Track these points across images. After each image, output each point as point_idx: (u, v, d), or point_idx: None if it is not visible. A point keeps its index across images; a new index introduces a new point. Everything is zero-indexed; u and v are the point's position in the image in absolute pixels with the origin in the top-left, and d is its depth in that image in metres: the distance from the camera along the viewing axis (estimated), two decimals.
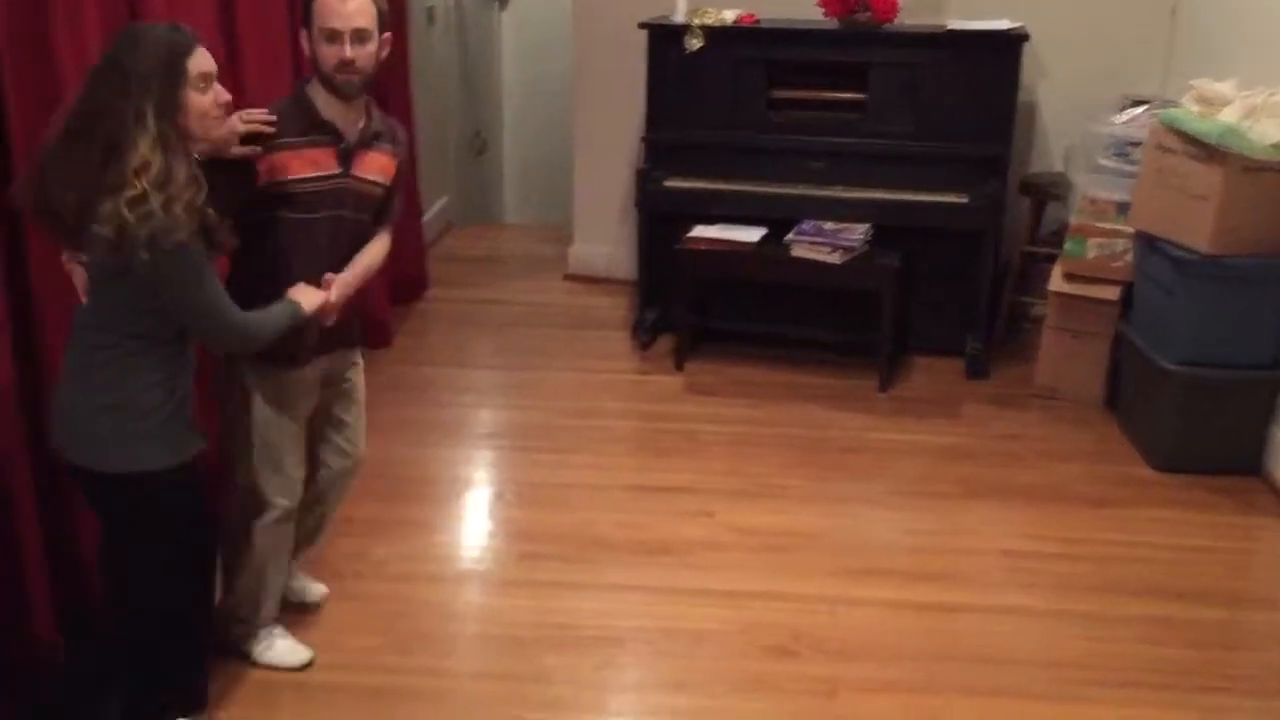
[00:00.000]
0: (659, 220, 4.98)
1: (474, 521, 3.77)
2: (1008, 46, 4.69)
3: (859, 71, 4.83)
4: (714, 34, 4.86)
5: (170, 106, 2.15)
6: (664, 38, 4.93)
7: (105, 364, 2.27)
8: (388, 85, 5.06)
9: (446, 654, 3.05)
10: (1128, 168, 4.37)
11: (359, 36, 2.54)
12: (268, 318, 2.48)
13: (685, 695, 2.90)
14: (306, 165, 2.61)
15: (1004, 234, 4.94)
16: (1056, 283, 4.58)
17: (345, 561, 3.40)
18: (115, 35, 2.21)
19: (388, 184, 2.78)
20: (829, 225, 4.68)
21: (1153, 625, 3.19)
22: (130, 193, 2.09)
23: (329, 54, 2.55)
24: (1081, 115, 4.79)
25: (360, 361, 3.00)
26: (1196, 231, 3.86)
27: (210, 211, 2.21)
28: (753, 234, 4.73)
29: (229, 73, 3.48)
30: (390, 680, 2.92)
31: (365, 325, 4.82)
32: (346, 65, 2.55)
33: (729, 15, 4.96)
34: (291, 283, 2.60)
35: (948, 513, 3.77)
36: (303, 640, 2.99)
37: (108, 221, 2.10)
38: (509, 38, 7.65)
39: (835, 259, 4.55)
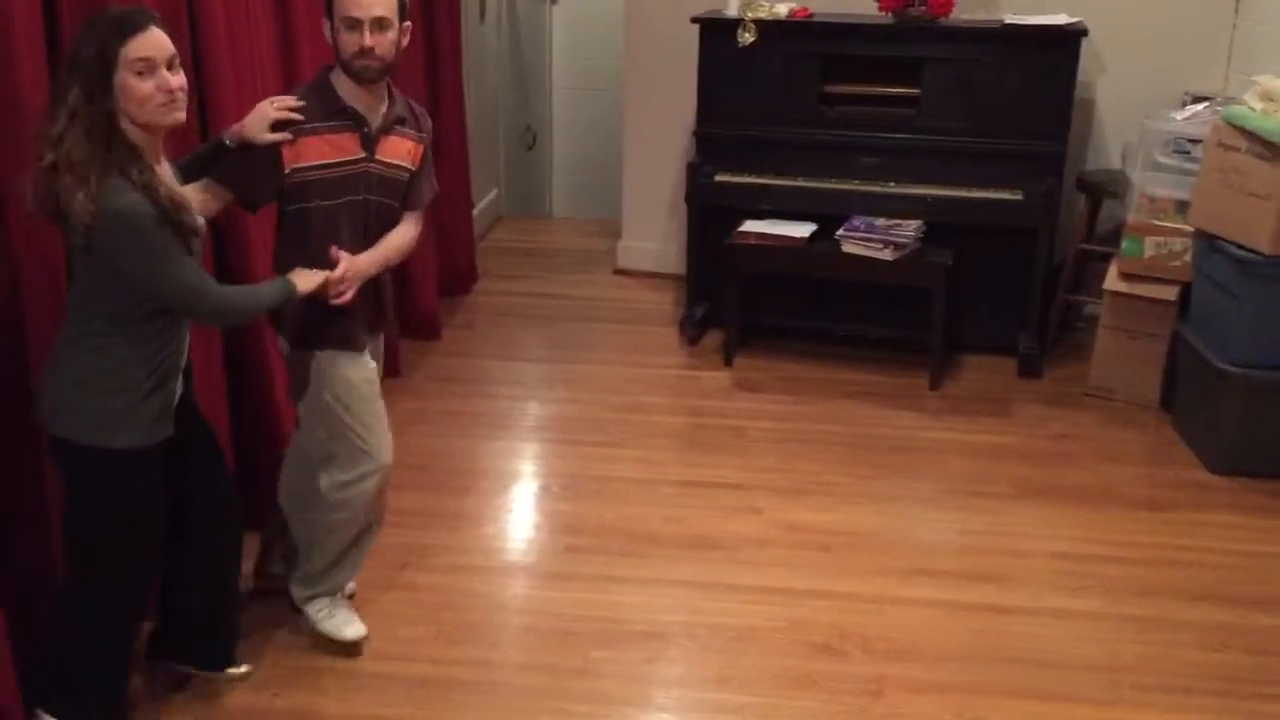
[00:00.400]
0: (708, 215, 4.97)
1: (521, 514, 3.78)
2: (1065, 42, 4.62)
3: (913, 66, 4.78)
4: (766, 28, 4.84)
5: (98, 90, 2.18)
6: (716, 32, 4.91)
7: (79, 339, 2.32)
8: (440, 79, 5.10)
9: (493, 646, 3.06)
10: (1188, 165, 4.30)
11: (378, 25, 2.59)
12: (253, 294, 2.59)
13: (730, 692, 2.89)
14: (329, 150, 2.66)
15: (1059, 232, 4.87)
16: (1112, 282, 4.51)
17: (393, 552, 3.42)
18: (87, 18, 2.27)
19: (412, 168, 2.82)
20: (880, 221, 4.64)
21: (1208, 631, 3.13)
22: (40, 163, 2.17)
23: (349, 42, 2.60)
24: (1140, 112, 4.71)
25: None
26: (1259, 231, 3.78)
27: (169, 193, 2.25)
28: (803, 229, 4.70)
29: (282, 63, 3.54)
30: (437, 670, 2.94)
31: (408, 317, 4.92)
32: (365, 53, 2.60)
33: (782, 9, 4.93)
34: (316, 262, 2.66)
35: (998, 513, 3.73)
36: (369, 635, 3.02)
37: (41, 187, 2.18)
38: (559, 33, 7.66)
39: (886, 255, 4.51)
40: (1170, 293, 4.37)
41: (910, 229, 4.59)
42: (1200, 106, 4.51)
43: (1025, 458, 4.12)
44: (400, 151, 2.79)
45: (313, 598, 2.99)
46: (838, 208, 4.73)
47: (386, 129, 2.74)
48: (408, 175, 2.82)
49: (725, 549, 3.50)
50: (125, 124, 2.21)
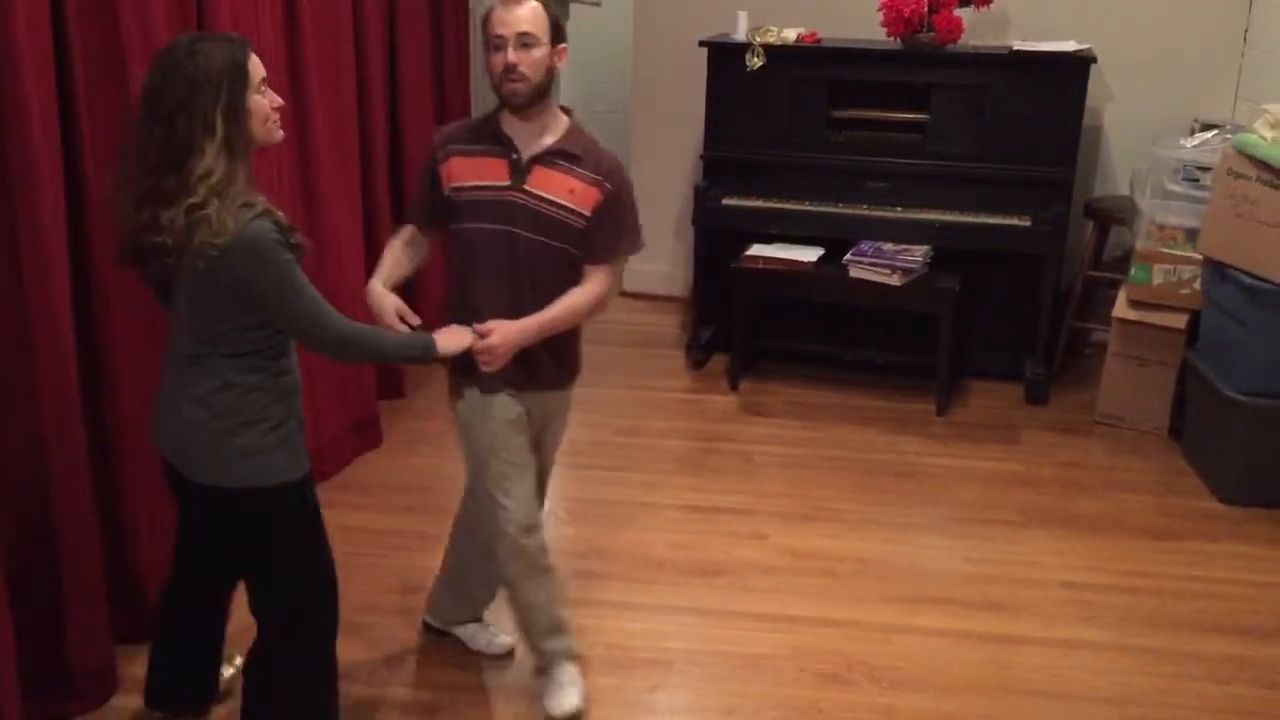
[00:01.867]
0: (716, 238, 4.96)
1: None
2: (1074, 68, 4.62)
3: (921, 92, 4.78)
4: (775, 53, 4.84)
5: (237, 111, 2.15)
6: (724, 56, 4.91)
7: (214, 386, 2.25)
8: (446, 101, 5.10)
9: (495, 671, 3.03)
10: (1197, 193, 4.28)
11: (523, 41, 2.49)
12: (381, 337, 2.48)
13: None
14: (473, 173, 2.63)
15: (1066, 258, 4.86)
16: (1121, 309, 4.49)
17: (394, 575, 3.39)
18: (164, 52, 2.18)
19: (581, 211, 2.60)
20: (888, 246, 4.63)
21: (1220, 663, 3.10)
22: (191, 199, 2.10)
23: (495, 62, 2.53)
24: (1148, 139, 4.70)
25: (562, 409, 2.88)
26: (1269, 260, 3.77)
27: (278, 214, 2.20)
28: (810, 254, 4.68)
29: (291, 88, 3.54)
30: (439, 696, 2.91)
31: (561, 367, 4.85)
32: (510, 70, 2.49)
33: (790, 34, 4.93)
34: (465, 291, 2.65)
35: (1007, 541, 3.70)
36: (364, 661, 3.00)
37: (166, 230, 2.11)
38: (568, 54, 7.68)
39: (894, 280, 4.49)
40: (1179, 320, 4.35)
41: (918, 254, 4.57)
42: (1210, 134, 4.50)
43: (1033, 485, 4.09)
44: (558, 187, 2.59)
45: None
46: (845, 232, 4.72)
47: (541, 160, 2.59)
48: (573, 217, 2.60)
49: (731, 575, 3.47)
50: (241, 144, 2.18)
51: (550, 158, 2.60)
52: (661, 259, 5.82)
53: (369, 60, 4.19)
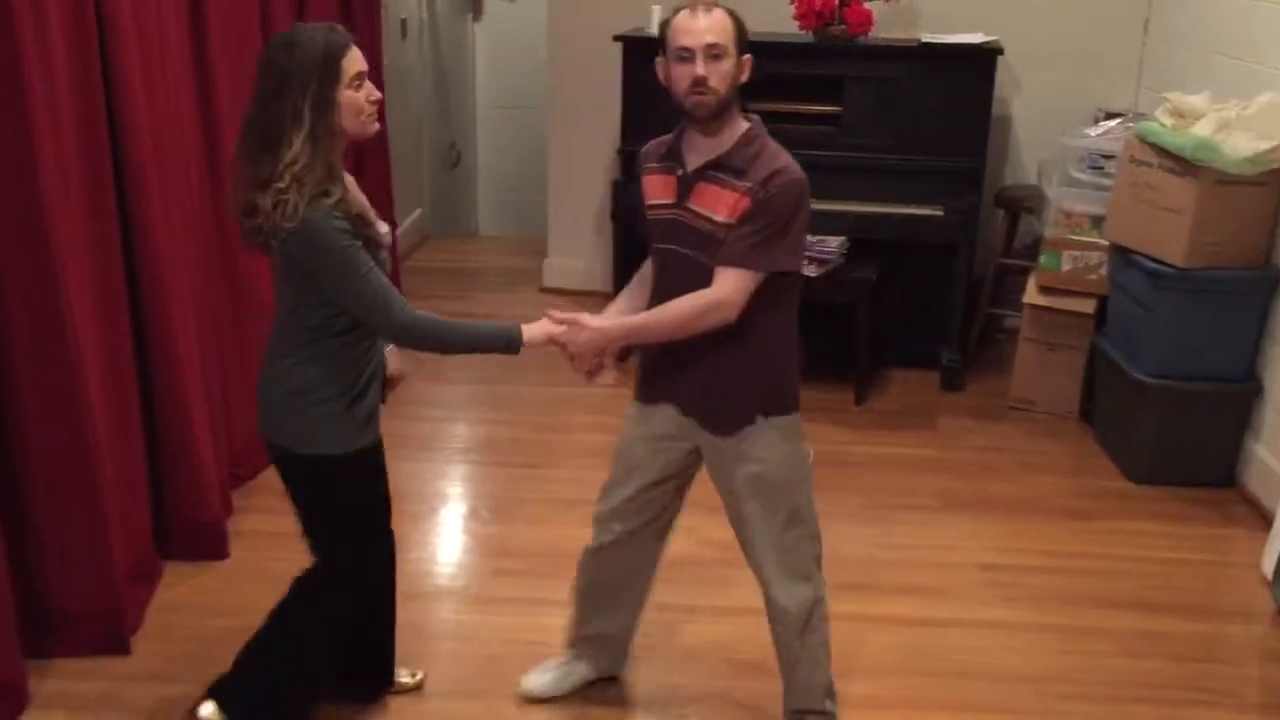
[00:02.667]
0: (635, 232, 4.95)
1: (448, 538, 3.73)
2: (981, 60, 4.70)
3: (834, 84, 4.83)
4: None
5: (325, 103, 2.24)
6: (638, 50, 4.92)
7: (289, 353, 2.41)
8: None
9: (429, 671, 3.00)
10: (1102, 181, 4.39)
11: (712, 53, 2.33)
12: (452, 325, 2.46)
13: (664, 713, 2.86)
14: (653, 191, 2.55)
15: (979, 246, 4.95)
16: (1031, 295, 4.59)
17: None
18: (267, 44, 2.32)
19: (723, 221, 2.39)
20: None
21: (1131, 638, 3.18)
22: (277, 185, 2.23)
23: (681, 75, 2.36)
24: (1055, 128, 4.81)
25: (735, 464, 2.57)
26: (1171, 245, 3.87)
27: (358, 206, 2.33)
28: None
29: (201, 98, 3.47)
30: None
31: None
32: (699, 84, 2.33)
33: None
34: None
35: (925, 525, 3.76)
36: None
37: (259, 212, 2.25)
38: (483, 50, 7.63)
39: (810, 271, 4.53)
40: (1087, 305, 4.46)
41: (833, 245, 4.62)
42: (1113, 123, 4.62)
43: (950, 470, 4.16)
44: (717, 204, 2.39)
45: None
46: None
47: (704, 174, 2.42)
48: (713, 228, 2.40)
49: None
50: (328, 135, 2.27)
51: (713, 171, 2.42)
52: (580, 254, 5.81)
53: None
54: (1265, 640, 3.23)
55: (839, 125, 4.83)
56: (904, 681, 2.98)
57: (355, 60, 2.28)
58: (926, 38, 4.85)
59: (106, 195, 2.98)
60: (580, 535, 3.62)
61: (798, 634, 2.63)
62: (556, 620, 3.20)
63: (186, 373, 3.27)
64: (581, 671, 2.94)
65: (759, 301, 2.41)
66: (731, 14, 2.40)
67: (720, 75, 2.34)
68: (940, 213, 4.68)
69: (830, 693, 2.71)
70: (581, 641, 2.94)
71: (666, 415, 2.61)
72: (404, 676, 2.92)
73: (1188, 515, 3.86)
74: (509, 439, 4.31)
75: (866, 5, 4.80)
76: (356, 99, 2.28)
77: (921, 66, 4.75)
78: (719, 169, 2.41)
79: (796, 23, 4.83)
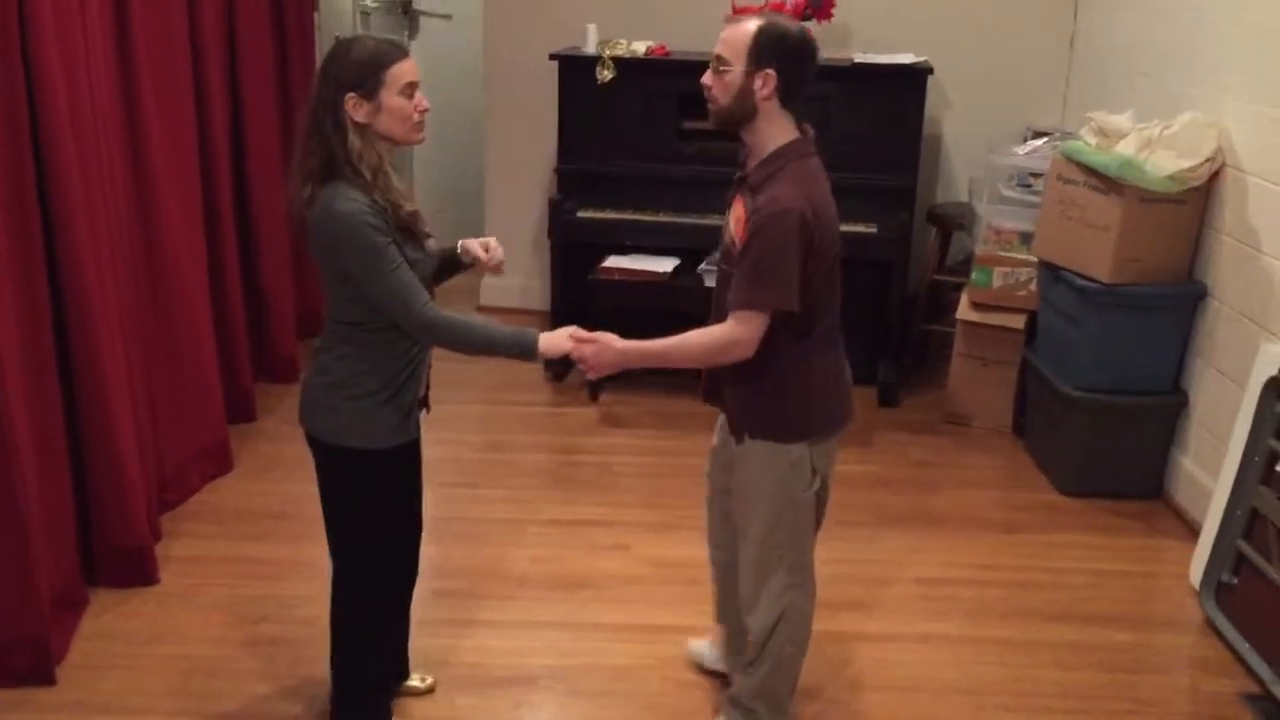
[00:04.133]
0: (572, 251, 4.96)
1: None
2: (913, 80, 4.77)
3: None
4: (625, 65, 4.87)
5: (368, 105, 2.36)
6: (575, 69, 4.93)
7: (329, 347, 2.50)
8: (292, 114, 4.99)
9: None
10: (1030, 198, 4.47)
11: (718, 65, 2.40)
12: (474, 328, 2.52)
13: None
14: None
15: (912, 263, 5.01)
16: (964, 311, 4.65)
17: (250, 605, 3.29)
18: (335, 42, 2.47)
19: (738, 238, 2.42)
20: None
21: (1063, 650, 3.22)
22: (316, 178, 2.36)
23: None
24: (985, 147, 4.89)
25: (745, 467, 2.59)
26: (1098, 261, 3.95)
27: (398, 201, 2.39)
28: (665, 264, 4.73)
29: (127, 114, 3.41)
30: None
31: (264, 358, 4.74)
32: (705, 90, 2.45)
33: (640, 47, 4.98)
34: None
35: (863, 541, 3.78)
36: (207, 685, 2.89)
37: (306, 205, 2.38)
38: (419, 66, 7.58)
39: None
40: (1018, 321, 4.53)
41: None
42: (1040, 141, 4.70)
43: (887, 485, 4.20)
44: (734, 217, 2.47)
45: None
46: (699, 242, 4.77)
47: (737, 186, 2.50)
48: (734, 247, 2.44)
49: (593, 588, 3.47)
50: (373, 136, 2.38)
51: (739, 184, 2.49)
52: (518, 273, 5.79)
53: (207, 71, 4.07)
54: (1194, 649, 3.29)
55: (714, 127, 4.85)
56: (838, 695, 3.00)
57: (407, 70, 2.40)
58: (859, 58, 4.91)
59: (29, 210, 2.91)
60: (519, 555, 3.62)
61: (757, 648, 2.67)
62: (497, 642, 3.18)
63: (113, 395, 3.21)
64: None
65: (788, 326, 2.43)
66: (761, 29, 2.38)
67: (721, 86, 2.40)
68: (874, 230, 4.73)
69: (773, 705, 2.73)
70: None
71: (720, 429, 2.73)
72: (414, 680, 2.97)
73: (1117, 527, 3.93)
74: (447, 459, 4.27)
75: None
76: (405, 106, 2.39)
77: (854, 86, 4.81)
78: (744, 183, 2.47)
79: None
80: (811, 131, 2.48)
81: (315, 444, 2.55)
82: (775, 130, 2.42)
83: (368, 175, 2.36)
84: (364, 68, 2.36)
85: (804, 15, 4.87)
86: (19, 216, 2.88)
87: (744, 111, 2.41)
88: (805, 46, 2.40)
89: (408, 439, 2.57)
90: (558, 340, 2.50)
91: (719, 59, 2.40)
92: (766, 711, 2.73)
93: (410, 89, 2.40)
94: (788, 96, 2.40)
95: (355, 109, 2.35)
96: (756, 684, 2.70)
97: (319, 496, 2.62)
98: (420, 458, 2.71)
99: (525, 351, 2.48)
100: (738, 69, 2.38)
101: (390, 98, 2.37)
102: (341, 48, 2.41)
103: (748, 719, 2.75)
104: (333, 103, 2.35)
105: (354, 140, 2.35)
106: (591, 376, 2.60)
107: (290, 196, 2.43)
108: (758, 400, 2.53)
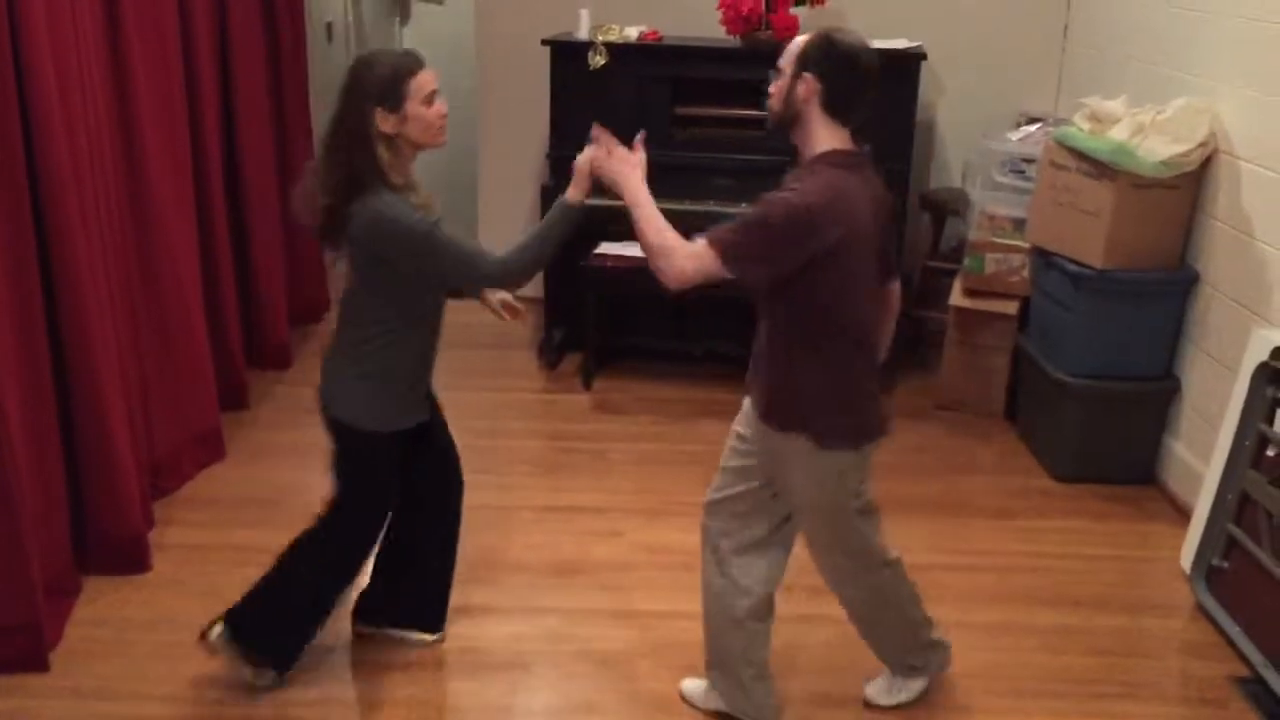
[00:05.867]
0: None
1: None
2: (906, 65, 4.77)
3: (762, 89, 4.85)
4: (617, 51, 4.86)
5: (392, 115, 2.52)
6: (567, 55, 4.92)
7: (365, 339, 2.69)
8: (285, 102, 4.98)
9: (349, 684, 2.98)
10: (1023, 184, 4.47)
11: (776, 72, 2.50)
12: (537, 239, 2.67)
13: (595, 719, 2.86)
14: None
15: (905, 249, 5.01)
16: (956, 297, 4.65)
17: (241, 591, 3.29)
18: (354, 60, 2.60)
19: None
20: None
21: (1054, 634, 3.24)
22: (351, 189, 2.51)
23: None
24: (978, 132, 4.89)
25: (784, 459, 2.58)
26: (1090, 247, 3.95)
27: (425, 200, 2.62)
28: None
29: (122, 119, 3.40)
30: (293, 713, 2.84)
31: (257, 346, 4.75)
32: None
33: (632, 32, 4.96)
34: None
35: None
36: (201, 671, 2.90)
37: (333, 215, 2.54)
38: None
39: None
40: (1010, 307, 4.53)
41: None
42: (1034, 127, 4.70)
43: (879, 471, 4.15)
44: None
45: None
46: (692, 228, 4.66)
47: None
48: None
49: (587, 574, 3.48)
50: (400, 146, 2.55)
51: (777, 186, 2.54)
52: None
53: (199, 58, 4.06)
54: (1185, 633, 3.31)
55: (767, 129, 4.85)
56: (830, 680, 3.01)
57: (427, 80, 2.55)
58: None
59: (21, 198, 2.90)
60: (514, 541, 3.63)
61: None
62: (490, 628, 3.19)
63: (105, 382, 3.20)
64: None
65: (800, 330, 2.48)
66: (812, 37, 2.44)
67: (775, 90, 2.51)
68: None
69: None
70: None
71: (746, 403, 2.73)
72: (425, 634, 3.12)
73: (1109, 512, 3.95)
74: None
75: (792, 11, 4.85)
76: (426, 114, 2.55)
77: None
78: (782, 185, 2.48)
79: (724, 28, 4.86)
80: (867, 148, 2.51)
81: (340, 427, 2.75)
82: (818, 137, 2.47)
83: (399, 183, 2.54)
84: (388, 82, 2.51)
85: (798, 1, 4.86)
86: (10, 206, 2.87)
87: (788, 115, 2.49)
88: (852, 58, 2.42)
89: (418, 420, 2.82)
90: (580, 176, 2.66)
91: (777, 68, 2.49)
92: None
93: (431, 97, 2.56)
94: (833, 105, 2.43)
95: (383, 122, 2.51)
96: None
97: (333, 471, 2.81)
98: (434, 432, 2.95)
99: (568, 215, 2.66)
100: (787, 74, 2.46)
101: (414, 107, 2.53)
102: (364, 65, 2.56)
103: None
104: (360, 119, 2.51)
105: (383, 152, 2.52)
106: (596, 171, 2.62)
107: (314, 205, 2.58)
108: (794, 389, 2.54)
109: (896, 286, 2.71)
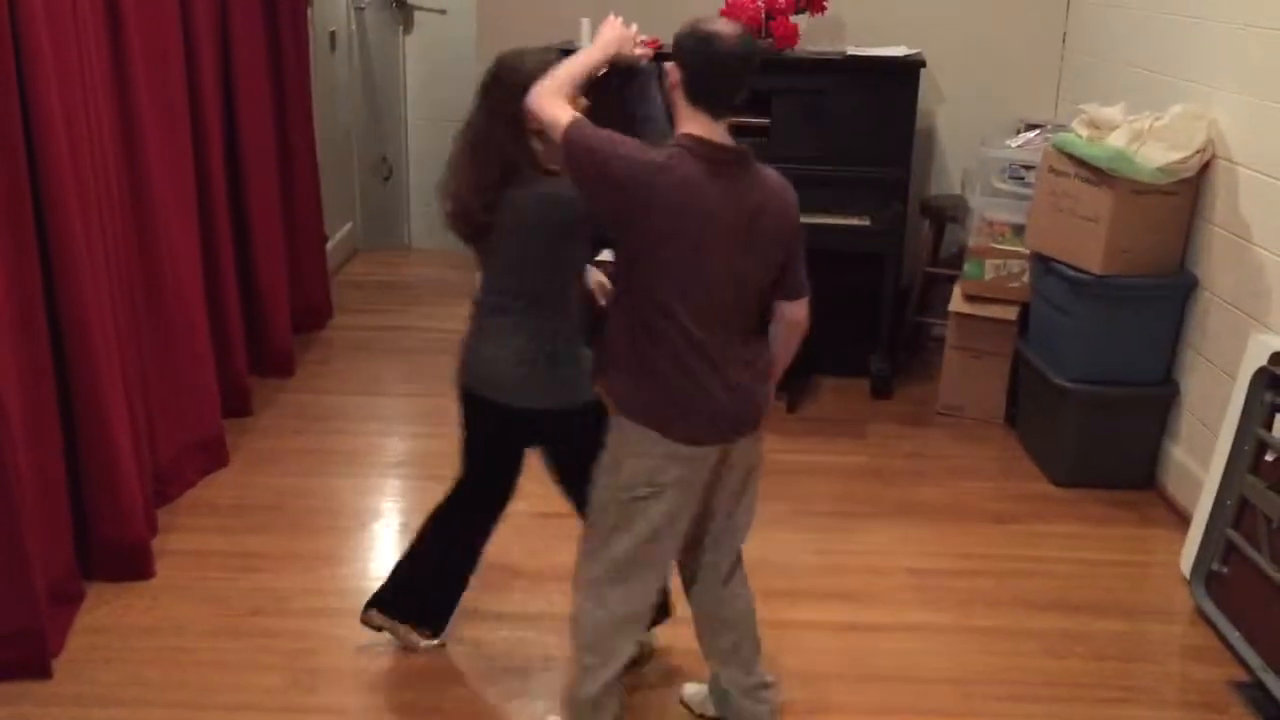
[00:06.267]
0: None
1: (380, 553, 3.70)
2: (905, 72, 4.78)
3: (761, 97, 4.87)
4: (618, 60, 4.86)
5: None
6: None
7: (546, 322, 2.75)
8: (287, 110, 5.00)
9: (352, 690, 2.98)
10: (1022, 190, 4.48)
11: None
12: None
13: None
14: None
15: (905, 255, 5.03)
16: (956, 303, 4.67)
17: (245, 598, 3.31)
18: (498, 60, 2.69)
19: None
20: None
21: (1054, 639, 3.25)
22: (502, 183, 2.59)
23: None
24: (978, 139, 4.90)
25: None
26: (1089, 253, 3.96)
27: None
28: None
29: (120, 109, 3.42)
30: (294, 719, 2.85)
31: (259, 354, 4.78)
32: None
33: None
34: None
35: (855, 532, 3.81)
36: (205, 678, 2.91)
37: (480, 212, 2.63)
38: (413, 63, 7.59)
39: None
40: (1010, 313, 4.54)
41: None
42: (1033, 134, 4.71)
43: (880, 477, 4.22)
44: None
45: None
46: None
47: None
48: None
49: None
50: (548, 138, 2.52)
51: None
52: None
53: (201, 64, 4.08)
54: (1184, 638, 3.31)
55: (767, 137, 4.88)
56: (831, 685, 3.02)
57: None
58: (852, 50, 4.92)
59: (23, 208, 2.92)
60: (513, 548, 3.63)
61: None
62: (489, 634, 3.20)
63: (107, 389, 3.22)
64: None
65: (626, 303, 2.50)
66: (680, 27, 2.47)
67: None
68: (867, 222, 4.75)
69: None
70: None
71: None
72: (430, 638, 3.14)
73: (1108, 517, 3.95)
74: (443, 453, 4.25)
75: (792, 19, 4.87)
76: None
77: (847, 79, 4.82)
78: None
79: None
80: (745, 149, 2.46)
81: (477, 402, 2.87)
82: (684, 127, 2.42)
83: (557, 170, 2.55)
84: (537, 79, 2.53)
85: (797, 9, 4.88)
86: (12, 211, 2.89)
87: (668, 106, 2.52)
88: (703, 48, 2.34)
89: (549, 403, 2.86)
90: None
91: None
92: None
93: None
94: (694, 94, 2.38)
95: (533, 118, 2.53)
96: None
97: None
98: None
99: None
100: None
101: None
102: (511, 64, 2.65)
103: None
104: (512, 115, 2.56)
105: (537, 144, 2.58)
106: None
107: (460, 203, 2.68)
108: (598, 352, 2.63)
109: (798, 306, 2.59)
